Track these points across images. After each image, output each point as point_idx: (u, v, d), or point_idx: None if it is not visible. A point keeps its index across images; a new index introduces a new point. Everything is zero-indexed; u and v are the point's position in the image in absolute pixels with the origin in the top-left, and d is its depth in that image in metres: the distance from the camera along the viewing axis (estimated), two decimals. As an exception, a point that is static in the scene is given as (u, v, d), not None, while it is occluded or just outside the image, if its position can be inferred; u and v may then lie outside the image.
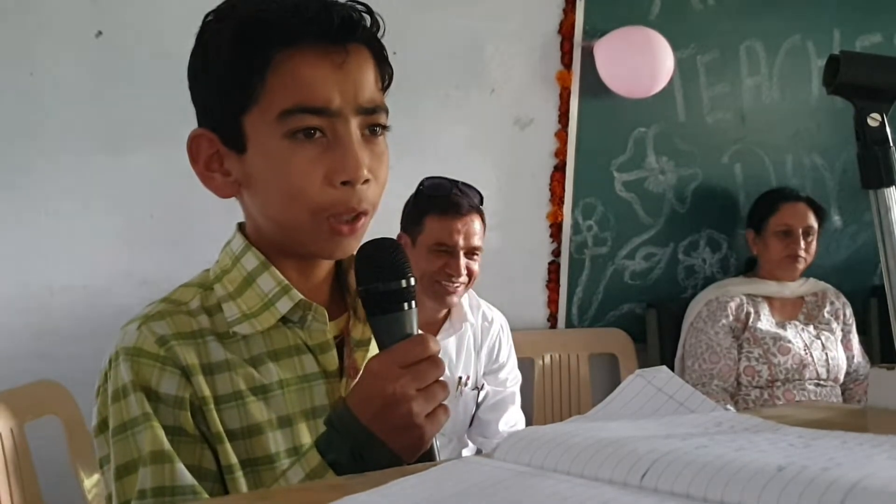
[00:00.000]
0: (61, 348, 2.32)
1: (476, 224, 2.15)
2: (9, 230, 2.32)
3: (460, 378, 2.27)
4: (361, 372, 0.90)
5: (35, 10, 2.32)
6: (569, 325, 3.04)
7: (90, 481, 2.00)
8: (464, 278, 2.14)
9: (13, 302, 2.33)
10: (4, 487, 1.85)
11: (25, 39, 2.32)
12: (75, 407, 2.06)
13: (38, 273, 2.36)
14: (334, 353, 0.96)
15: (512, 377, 2.40)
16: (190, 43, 0.94)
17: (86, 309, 2.40)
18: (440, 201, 2.13)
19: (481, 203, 2.19)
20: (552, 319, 3.03)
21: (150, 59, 2.41)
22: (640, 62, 2.85)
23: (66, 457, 2.00)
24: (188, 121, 0.97)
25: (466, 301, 2.30)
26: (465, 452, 2.34)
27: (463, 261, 2.12)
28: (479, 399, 2.34)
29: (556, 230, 2.98)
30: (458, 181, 2.16)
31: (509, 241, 2.88)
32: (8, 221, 2.32)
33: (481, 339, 2.34)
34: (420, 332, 0.90)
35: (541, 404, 2.93)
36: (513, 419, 2.36)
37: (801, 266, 2.90)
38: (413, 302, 0.89)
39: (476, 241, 2.15)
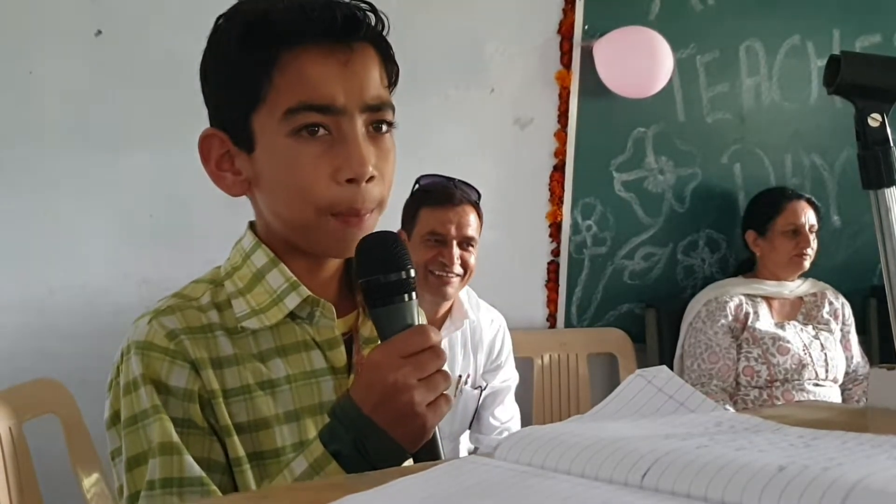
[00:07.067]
0: (60, 347, 2.32)
1: (471, 216, 2.12)
2: (8, 230, 2.32)
3: (460, 377, 2.27)
4: (364, 363, 0.90)
5: (35, 10, 2.32)
6: (568, 324, 3.04)
7: (89, 480, 1.99)
8: (458, 269, 2.10)
9: (12, 301, 2.33)
10: (3, 486, 1.84)
11: (25, 39, 2.32)
12: (74, 405, 2.06)
13: (38, 272, 2.36)
14: (342, 349, 0.97)
15: (511, 378, 2.40)
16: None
17: (85, 308, 2.40)
18: (434, 194, 2.14)
19: (478, 199, 2.19)
20: (551, 319, 3.03)
21: (150, 58, 2.41)
22: (640, 62, 2.85)
23: (66, 455, 2.00)
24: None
25: (466, 299, 2.29)
26: (462, 452, 2.33)
27: (456, 251, 2.09)
28: (480, 399, 2.33)
29: (555, 230, 2.98)
30: (454, 178, 2.17)
31: (508, 241, 2.88)
32: (7, 221, 2.31)
33: (482, 338, 2.33)
34: (421, 322, 0.91)
35: (540, 404, 2.93)
36: (506, 414, 2.35)
37: (808, 264, 2.91)
38: (413, 293, 0.90)
39: (469, 232, 2.11)
